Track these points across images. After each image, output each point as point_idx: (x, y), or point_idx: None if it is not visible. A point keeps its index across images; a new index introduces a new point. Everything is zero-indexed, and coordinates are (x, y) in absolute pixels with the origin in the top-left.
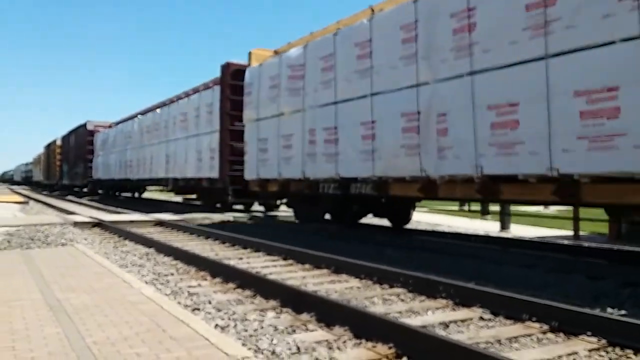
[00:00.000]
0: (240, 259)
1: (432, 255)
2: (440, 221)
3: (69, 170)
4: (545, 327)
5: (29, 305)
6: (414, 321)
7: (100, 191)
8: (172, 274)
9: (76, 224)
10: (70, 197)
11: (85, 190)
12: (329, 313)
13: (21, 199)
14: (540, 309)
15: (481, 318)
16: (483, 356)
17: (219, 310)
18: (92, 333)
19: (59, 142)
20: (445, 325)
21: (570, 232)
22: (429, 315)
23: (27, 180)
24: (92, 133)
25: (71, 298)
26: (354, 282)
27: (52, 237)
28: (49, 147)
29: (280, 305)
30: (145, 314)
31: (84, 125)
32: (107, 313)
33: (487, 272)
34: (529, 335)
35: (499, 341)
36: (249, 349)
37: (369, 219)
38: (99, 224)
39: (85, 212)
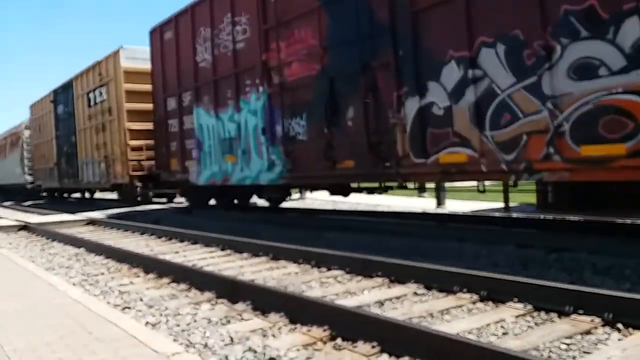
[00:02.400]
0: (177, 252)
1: (372, 236)
2: (379, 202)
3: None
4: (475, 297)
5: None
6: (349, 302)
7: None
8: (102, 274)
9: (0, 228)
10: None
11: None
12: (265, 301)
13: None
14: (469, 280)
15: (415, 293)
16: (412, 330)
17: (151, 307)
18: (11, 341)
19: None
20: (381, 303)
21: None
22: (364, 294)
23: None
24: None
25: None
26: (292, 267)
27: None
28: None
29: (215, 296)
30: (71, 316)
31: None
32: (29, 319)
33: (422, 248)
34: (460, 307)
35: (431, 314)
36: (180, 344)
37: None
38: (25, 227)
39: (11, 216)
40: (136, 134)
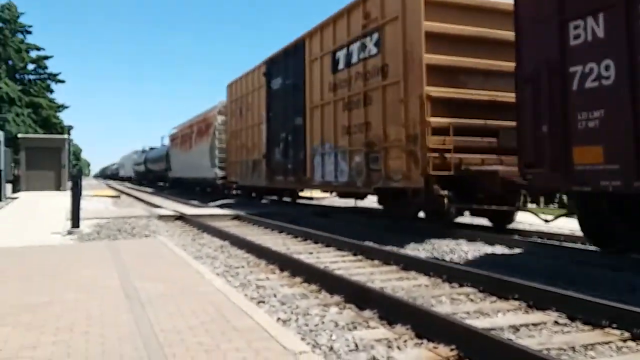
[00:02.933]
0: (311, 253)
1: (508, 254)
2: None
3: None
4: (627, 334)
5: (108, 292)
6: (481, 323)
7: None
8: (242, 267)
9: (160, 217)
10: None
11: None
12: (392, 311)
13: (114, 192)
14: (621, 314)
15: (556, 322)
16: None
17: (283, 304)
18: (160, 321)
19: None
20: (516, 328)
21: None
22: (498, 317)
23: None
24: None
25: (147, 287)
26: (423, 279)
27: (137, 229)
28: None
29: (344, 301)
30: (212, 304)
31: None
32: (177, 302)
33: (567, 274)
34: (607, 343)
35: (572, 348)
36: (308, 343)
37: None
38: (180, 217)
39: (170, 206)
40: (440, 107)
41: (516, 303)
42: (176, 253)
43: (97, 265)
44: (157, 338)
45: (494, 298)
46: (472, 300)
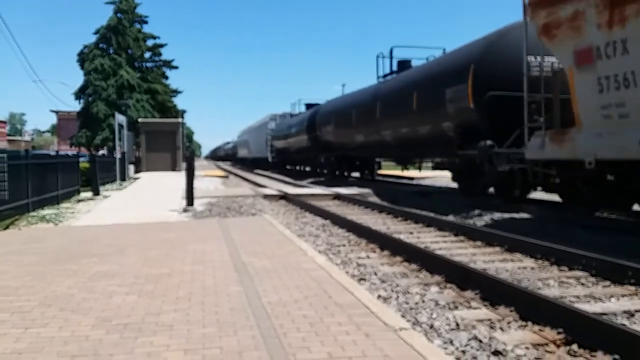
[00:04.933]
0: (411, 233)
1: (634, 237)
2: None
3: None
4: None
5: (220, 266)
6: (592, 307)
7: None
8: (344, 245)
9: (265, 196)
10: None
11: None
12: (495, 292)
13: (223, 173)
14: None
15: None
16: None
17: (384, 282)
18: (267, 294)
19: None
20: (630, 314)
21: None
22: (611, 302)
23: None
24: None
25: (254, 262)
26: (529, 262)
27: (244, 208)
28: None
29: (444, 280)
30: (315, 280)
31: None
32: (282, 277)
33: None
34: None
35: None
36: (408, 320)
37: None
38: (284, 197)
39: (274, 186)
40: None
41: (632, 288)
42: (280, 231)
43: (209, 241)
44: (265, 309)
45: (607, 282)
46: (582, 284)
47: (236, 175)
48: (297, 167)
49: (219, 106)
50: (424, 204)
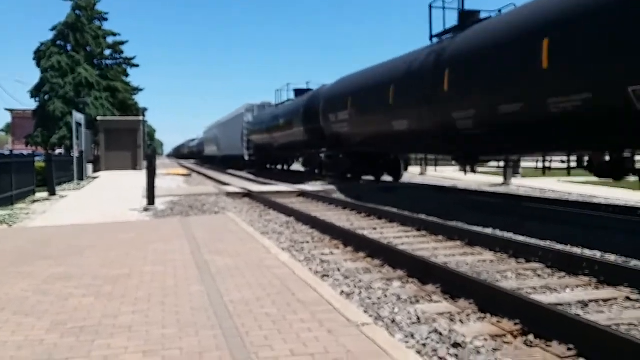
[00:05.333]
0: (374, 229)
1: (583, 230)
2: (595, 193)
3: None
4: None
5: (181, 265)
6: (547, 298)
7: None
8: (307, 242)
9: (228, 194)
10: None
11: None
12: (456, 285)
13: (186, 171)
14: None
15: (627, 298)
16: (619, 338)
17: (347, 278)
18: (230, 293)
19: None
20: (584, 304)
21: None
22: (566, 292)
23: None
24: None
25: (217, 260)
26: (488, 255)
27: (207, 206)
28: None
29: (406, 275)
30: (278, 277)
31: None
32: (245, 275)
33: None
34: None
35: None
36: (370, 316)
37: None
38: (248, 194)
39: (237, 184)
40: None
41: (586, 279)
42: (244, 228)
43: (171, 240)
44: (227, 308)
45: (562, 274)
46: (539, 275)
47: (199, 173)
48: (283, 167)
49: (182, 103)
50: (387, 200)
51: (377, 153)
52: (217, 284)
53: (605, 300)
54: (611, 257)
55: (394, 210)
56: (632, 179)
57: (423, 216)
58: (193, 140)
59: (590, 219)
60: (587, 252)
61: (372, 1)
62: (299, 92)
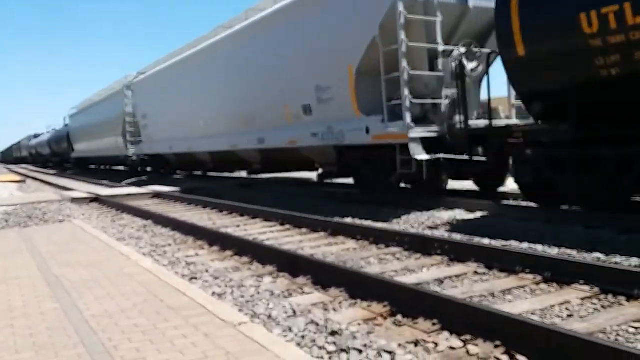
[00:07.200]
0: (238, 226)
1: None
2: None
3: None
4: (539, 278)
5: (27, 282)
6: (409, 279)
7: None
8: (169, 245)
9: (74, 200)
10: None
11: None
12: (325, 276)
13: (19, 177)
14: (532, 260)
15: (475, 272)
16: (473, 309)
17: (216, 278)
18: (90, 307)
19: None
20: (440, 281)
21: None
22: (424, 272)
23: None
24: None
25: (69, 273)
26: (351, 243)
27: (49, 215)
28: None
29: (277, 270)
30: (143, 285)
31: None
32: (104, 286)
33: (485, 227)
34: (522, 287)
35: (492, 294)
36: (246, 314)
37: None
38: (96, 199)
39: (82, 188)
40: None
41: (439, 258)
42: (96, 236)
43: (11, 255)
44: (89, 324)
45: (419, 255)
46: (398, 259)
47: (35, 179)
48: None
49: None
50: (248, 196)
51: None
52: (74, 299)
53: (457, 276)
54: (457, 237)
55: (256, 206)
56: None
57: (285, 210)
58: (38, 135)
59: None
60: (437, 234)
61: None
62: None
